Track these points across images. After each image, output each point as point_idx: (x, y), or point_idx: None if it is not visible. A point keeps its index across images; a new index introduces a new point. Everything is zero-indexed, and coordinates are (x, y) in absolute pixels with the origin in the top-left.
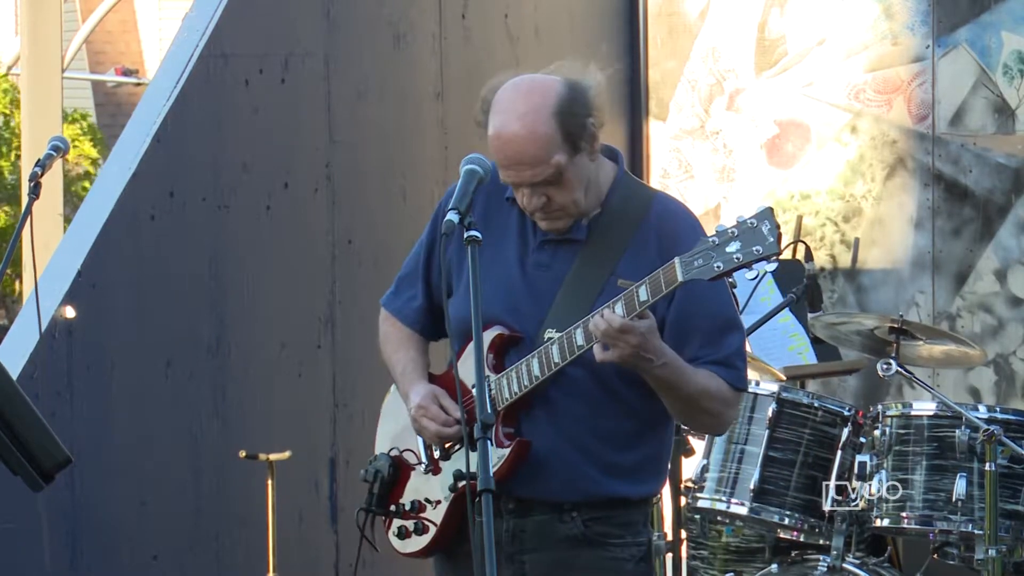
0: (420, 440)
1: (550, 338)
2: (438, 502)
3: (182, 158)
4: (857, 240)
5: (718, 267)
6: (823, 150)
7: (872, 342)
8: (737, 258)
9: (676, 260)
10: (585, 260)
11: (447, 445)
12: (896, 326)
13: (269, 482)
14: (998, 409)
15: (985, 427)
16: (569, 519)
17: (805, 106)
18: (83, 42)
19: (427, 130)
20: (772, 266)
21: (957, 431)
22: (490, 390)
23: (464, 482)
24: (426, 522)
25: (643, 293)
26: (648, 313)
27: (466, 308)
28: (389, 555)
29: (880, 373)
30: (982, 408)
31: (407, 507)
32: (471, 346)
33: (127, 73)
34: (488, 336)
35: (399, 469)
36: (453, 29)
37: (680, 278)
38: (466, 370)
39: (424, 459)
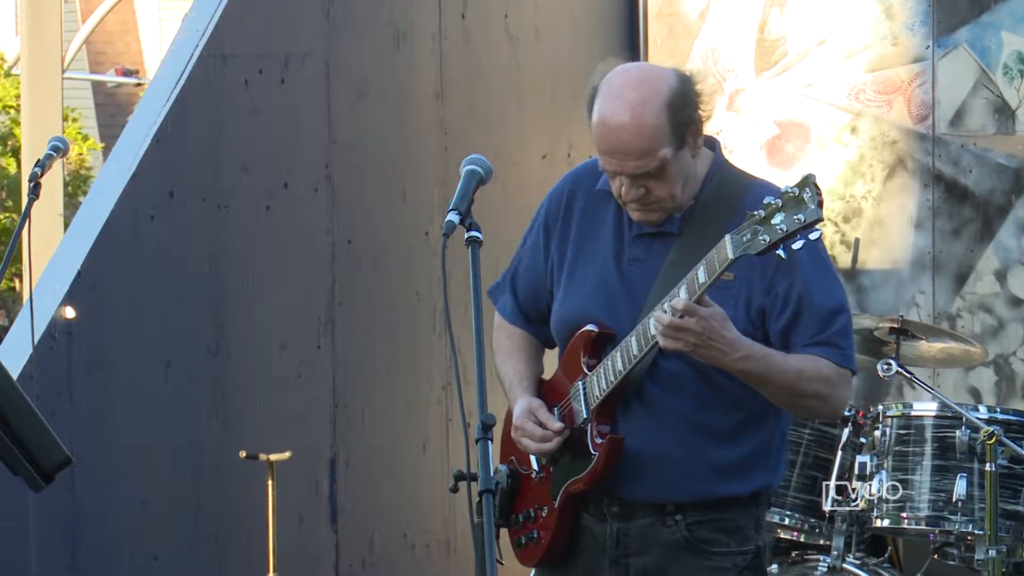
0: None
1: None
2: (548, 509)
3: (182, 158)
4: (857, 240)
5: (764, 240)
6: (823, 150)
7: (872, 342)
8: (781, 229)
9: (727, 237)
10: (679, 253)
11: None
12: (896, 326)
13: (269, 482)
14: (998, 410)
15: (986, 427)
16: (672, 522)
17: (805, 106)
18: (83, 42)
19: (427, 130)
20: (816, 234)
21: (957, 431)
22: (584, 390)
23: (464, 482)
24: (540, 531)
25: (702, 275)
26: (709, 300)
27: (566, 309)
28: (391, 557)
29: (880, 373)
30: (982, 408)
31: (522, 518)
32: (569, 346)
33: (127, 73)
34: (582, 335)
35: (518, 479)
36: (453, 29)
37: (731, 255)
38: (567, 372)
39: (535, 466)
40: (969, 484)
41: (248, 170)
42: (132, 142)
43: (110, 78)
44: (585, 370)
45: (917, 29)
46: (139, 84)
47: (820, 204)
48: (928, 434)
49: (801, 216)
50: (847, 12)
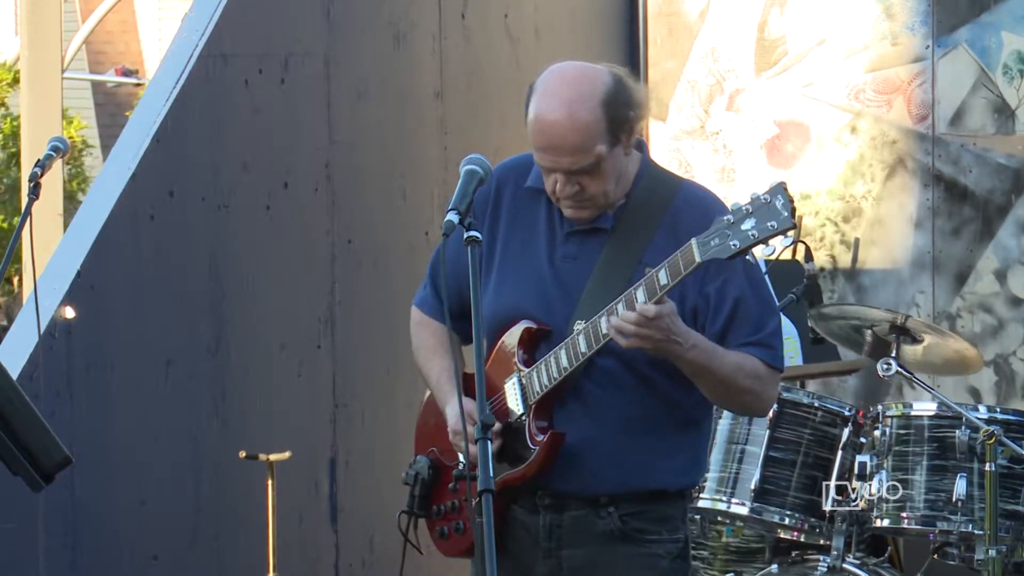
0: None
1: (579, 329)
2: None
3: (182, 158)
4: (857, 240)
5: (734, 245)
6: (823, 150)
7: (872, 342)
8: (752, 235)
9: (693, 241)
10: (612, 249)
11: None
12: (897, 323)
13: (269, 482)
14: (998, 409)
15: (985, 427)
16: (606, 514)
17: (805, 106)
18: (83, 42)
19: (427, 130)
20: (787, 241)
21: (957, 431)
22: (521, 385)
23: (466, 481)
24: (465, 521)
25: (663, 277)
26: (666, 298)
27: (497, 305)
28: (391, 557)
29: (880, 373)
30: (982, 408)
31: (447, 509)
32: (500, 342)
33: (127, 73)
34: (516, 331)
35: (439, 470)
36: (453, 29)
37: (698, 259)
38: (498, 367)
39: (462, 460)
40: (969, 484)
41: (248, 170)
42: (132, 142)
43: (110, 78)
44: (520, 366)
45: (917, 29)
46: (139, 84)
47: (792, 212)
48: (928, 434)
49: (774, 223)
50: (847, 12)
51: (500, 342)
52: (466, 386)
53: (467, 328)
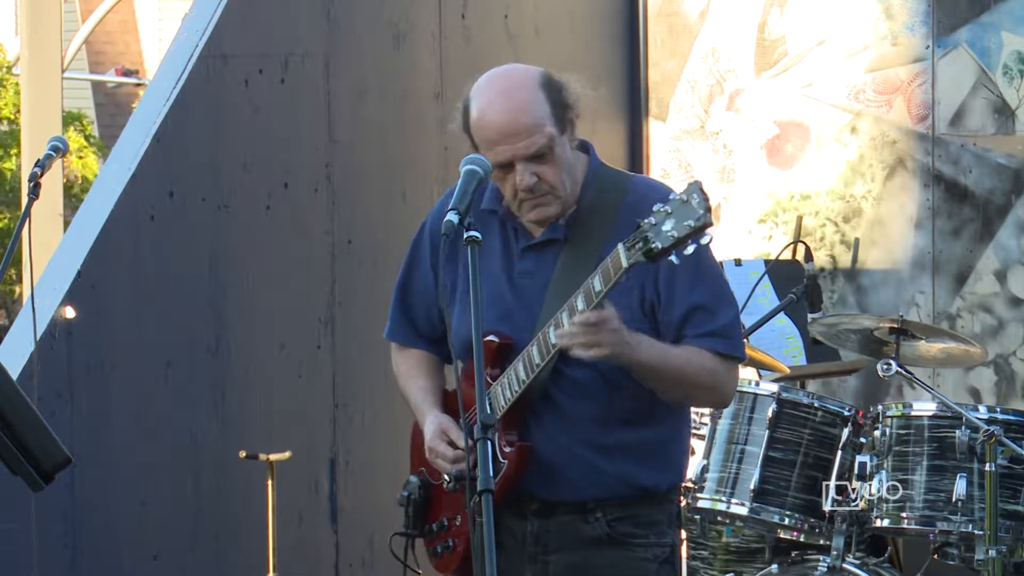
0: None
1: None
2: (461, 517)
3: (182, 158)
4: (857, 240)
5: (656, 246)
6: (823, 150)
7: (872, 342)
8: (672, 235)
9: (619, 246)
10: (567, 260)
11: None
12: (896, 326)
13: (269, 482)
14: (998, 409)
15: (985, 427)
16: (593, 519)
17: (805, 106)
18: (83, 42)
19: (427, 130)
20: (707, 238)
21: (957, 431)
22: (489, 400)
23: (465, 481)
24: (454, 539)
25: (597, 283)
26: (608, 303)
27: (459, 330)
28: (391, 557)
29: (880, 373)
30: (982, 408)
31: (438, 528)
32: (468, 361)
33: (127, 73)
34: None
35: (429, 489)
36: (453, 29)
37: (624, 263)
38: (471, 382)
39: (447, 478)
40: (969, 484)
41: (248, 170)
42: (132, 142)
43: (110, 78)
44: (488, 380)
45: (917, 29)
46: (139, 84)
47: (708, 209)
48: (928, 434)
49: (691, 222)
50: (847, 12)
51: (468, 361)
52: (447, 403)
53: (445, 349)
